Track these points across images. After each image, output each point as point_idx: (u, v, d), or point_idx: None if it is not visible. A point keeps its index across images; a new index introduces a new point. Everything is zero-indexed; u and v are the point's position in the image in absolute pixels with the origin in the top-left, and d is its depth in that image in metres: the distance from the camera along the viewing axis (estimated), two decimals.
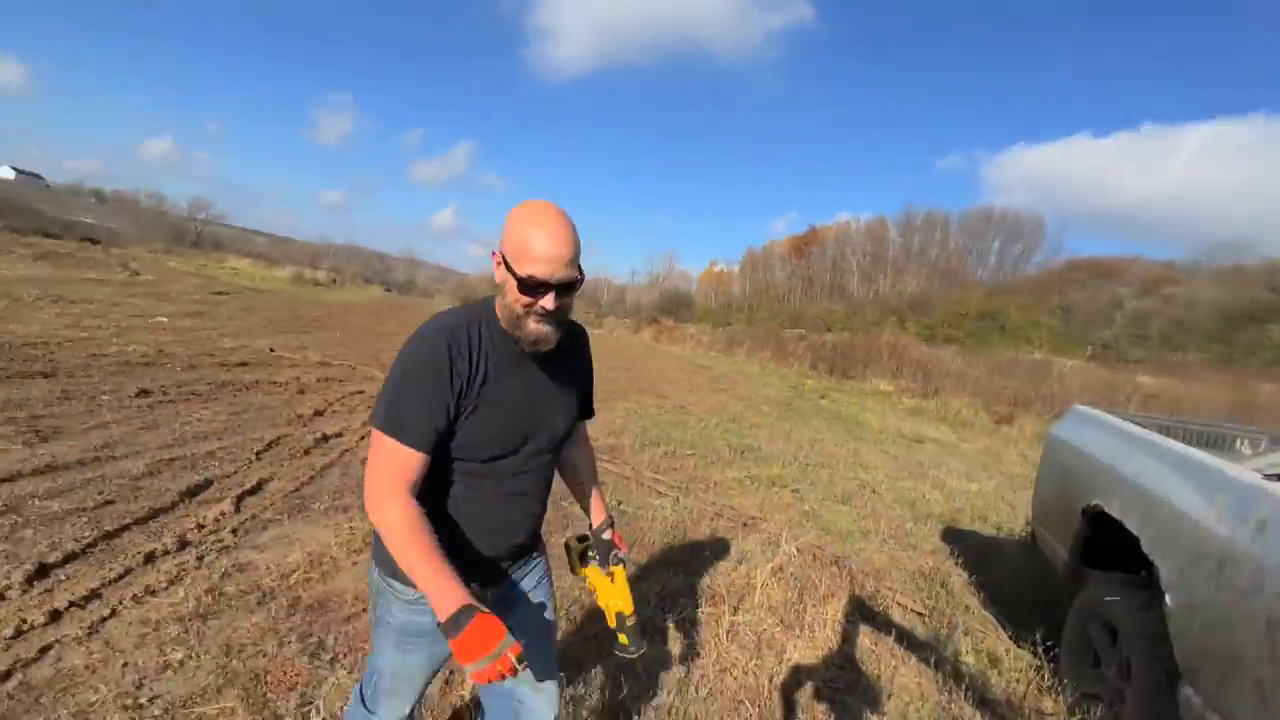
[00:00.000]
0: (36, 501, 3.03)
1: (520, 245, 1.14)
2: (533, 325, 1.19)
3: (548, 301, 1.16)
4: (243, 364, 7.09)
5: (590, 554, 1.52)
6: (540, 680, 1.44)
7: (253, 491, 3.63)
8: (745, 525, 4.26)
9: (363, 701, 1.44)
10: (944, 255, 53.92)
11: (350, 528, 3.28)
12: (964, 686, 2.46)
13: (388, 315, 18.37)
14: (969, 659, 2.78)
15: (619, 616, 1.40)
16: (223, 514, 3.27)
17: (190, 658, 2.11)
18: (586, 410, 1.51)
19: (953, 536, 4.78)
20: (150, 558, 2.72)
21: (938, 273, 51.87)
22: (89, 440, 3.94)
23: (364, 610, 2.56)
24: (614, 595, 1.42)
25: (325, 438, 4.93)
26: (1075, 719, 2.30)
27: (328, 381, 7.09)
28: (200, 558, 2.79)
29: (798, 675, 2.44)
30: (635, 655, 1.39)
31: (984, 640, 3.01)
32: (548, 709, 1.45)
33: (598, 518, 1.54)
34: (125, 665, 2.04)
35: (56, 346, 6.27)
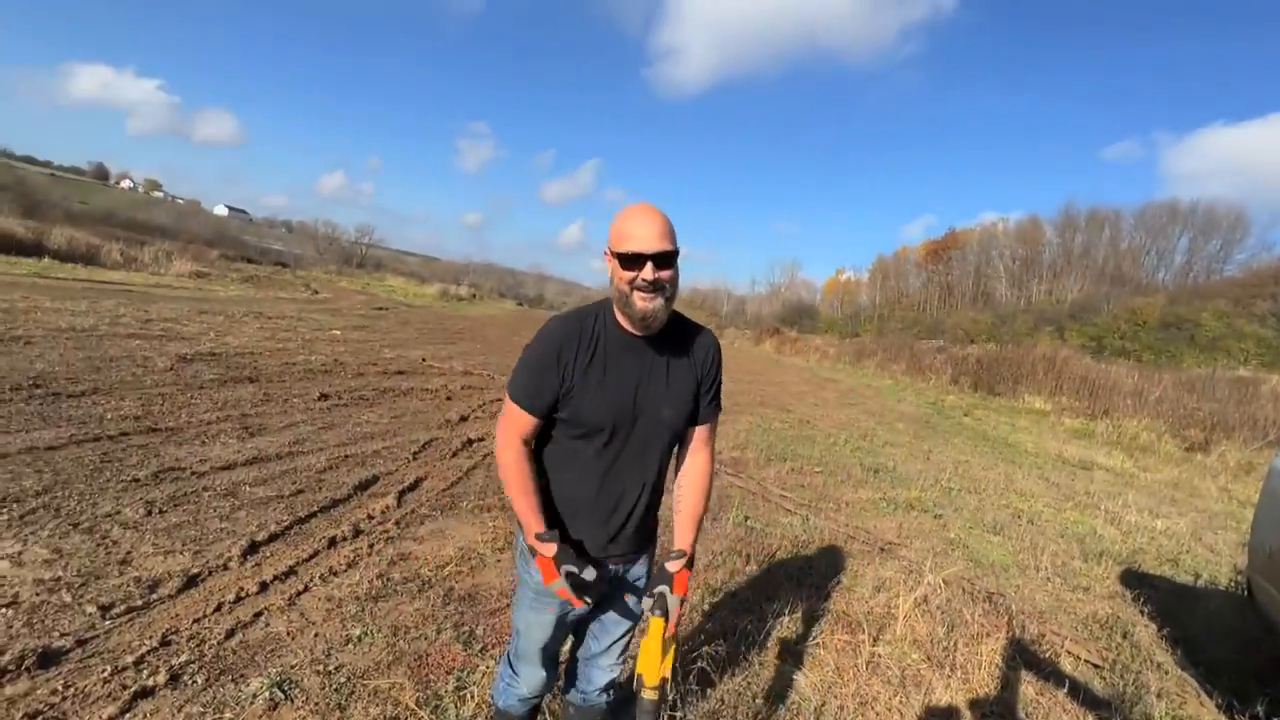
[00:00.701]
0: (247, 488, 3.58)
1: (620, 232, 1.36)
2: (639, 301, 1.36)
3: (647, 272, 1.34)
4: (400, 372, 7.90)
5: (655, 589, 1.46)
6: (603, 666, 1.67)
7: (411, 488, 4.02)
8: (882, 550, 4.01)
9: (509, 663, 1.68)
10: (1114, 256, 47.44)
11: (494, 526, 3.52)
12: None
13: (520, 327, 19.59)
14: None
15: (637, 679, 1.34)
16: (388, 507, 3.65)
17: (366, 634, 2.38)
18: (705, 411, 1.54)
19: (1134, 580, 4.15)
20: (333, 542, 3.10)
21: (1106, 276, 45.66)
22: (284, 437, 4.58)
23: (508, 605, 2.73)
24: (644, 650, 1.36)
25: (470, 442, 5.35)
26: None
27: (470, 390, 7.69)
28: (371, 545, 3.13)
29: (949, 719, 2.24)
30: None
31: (1183, 706, 2.58)
32: (597, 690, 1.69)
33: (677, 541, 1.54)
34: (316, 635, 2.34)
35: (259, 355, 7.39)
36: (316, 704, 1.97)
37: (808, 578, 3.41)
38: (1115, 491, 7.07)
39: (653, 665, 1.33)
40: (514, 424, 1.45)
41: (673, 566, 1.48)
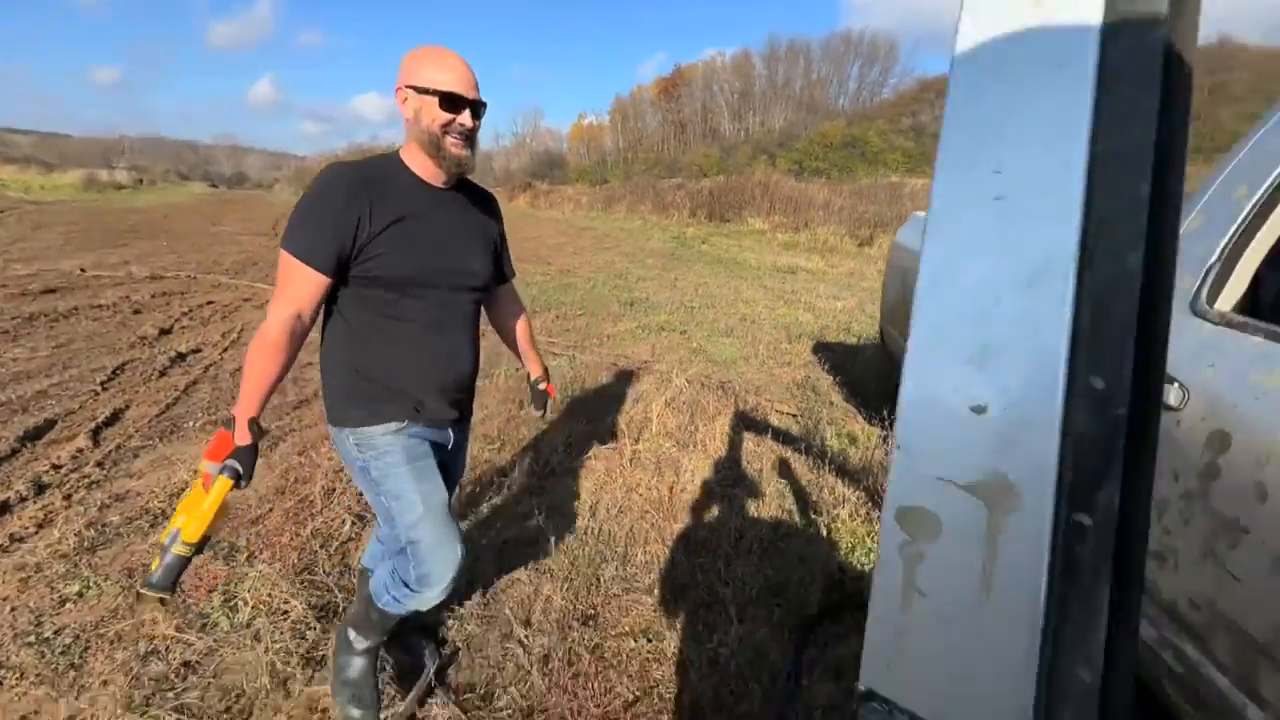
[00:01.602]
0: None
1: (433, 70, 1.27)
2: (452, 146, 1.30)
3: (465, 118, 1.29)
4: (50, 290, 6.08)
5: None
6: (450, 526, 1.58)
7: (109, 423, 3.33)
8: (640, 369, 4.52)
9: (405, 585, 1.43)
10: (807, 86, 53.90)
11: None
12: (827, 462, 2.93)
13: (221, 214, 16.08)
14: (832, 442, 3.27)
15: (174, 532, 1.20)
16: (80, 450, 2.99)
17: (88, 588, 2.05)
18: (507, 268, 1.64)
19: (821, 349, 5.36)
20: (4, 507, 2.49)
21: (803, 105, 52.11)
22: None
23: (270, 510, 2.55)
24: (196, 504, 1.22)
25: (181, 356, 4.50)
26: None
27: (166, 297, 6.30)
28: (67, 496, 2.59)
29: (694, 482, 2.78)
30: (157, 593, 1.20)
31: (845, 427, 3.54)
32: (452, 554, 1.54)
33: (534, 369, 1.80)
34: (13, 610, 1.95)
35: None
36: (38, 674, 1.70)
37: (579, 408, 3.73)
38: (812, 287, 8.78)
39: (202, 520, 1.19)
40: (295, 289, 1.26)
41: (543, 386, 1.79)
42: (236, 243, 11.04)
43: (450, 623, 1.95)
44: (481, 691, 1.70)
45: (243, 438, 1.27)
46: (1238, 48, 35.68)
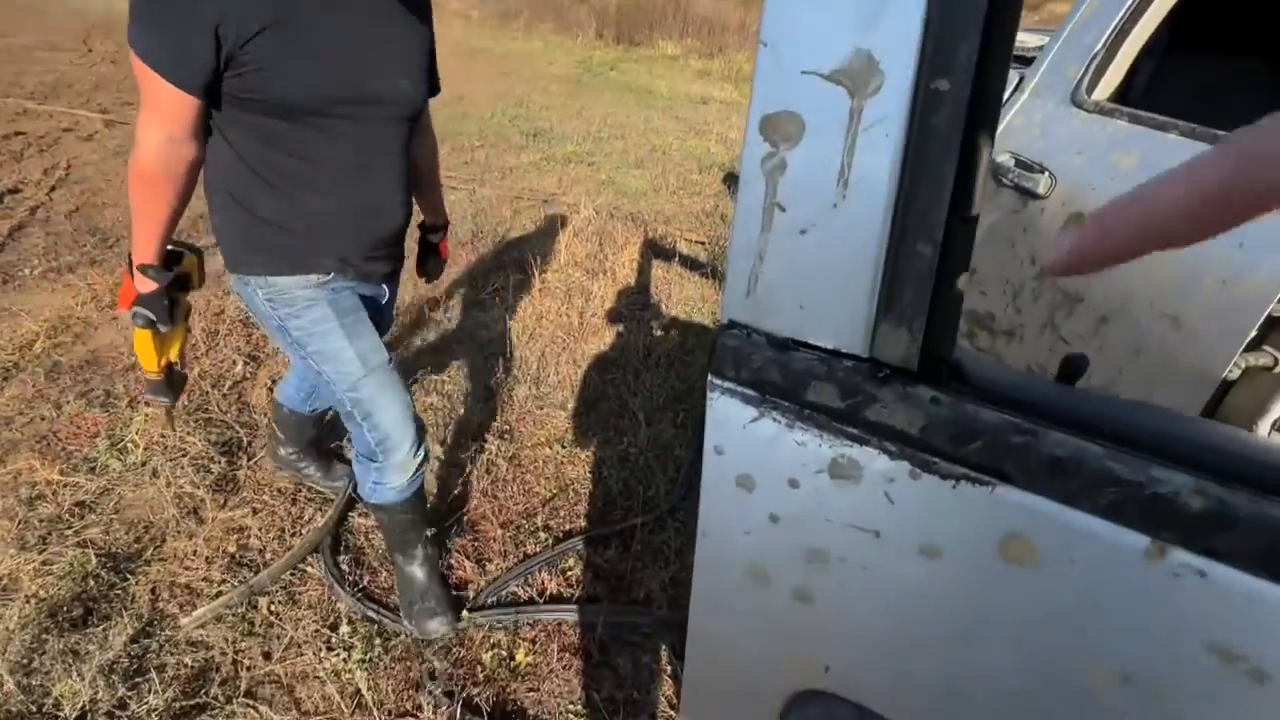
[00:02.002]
0: None
1: None
2: None
3: None
4: None
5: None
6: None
7: None
8: (545, 201, 4.31)
9: (369, 457, 1.31)
10: None
11: (90, 285, 2.79)
12: None
13: (8, 24, 12.79)
14: None
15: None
16: None
17: None
18: (435, 82, 1.28)
19: (732, 179, 5.29)
20: None
21: None
22: None
23: None
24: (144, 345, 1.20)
25: None
26: None
27: None
28: None
29: (603, 308, 2.81)
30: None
31: None
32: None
33: (430, 215, 1.52)
34: None
35: None
36: None
37: (483, 243, 3.56)
38: (725, 117, 8.42)
39: (146, 359, 1.20)
40: (160, 107, 0.97)
41: (435, 238, 1.54)
42: (37, 60, 8.95)
43: None
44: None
45: (142, 284, 1.12)
46: None
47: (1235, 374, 0.97)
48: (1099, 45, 1.33)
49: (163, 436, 1.90)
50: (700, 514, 0.35)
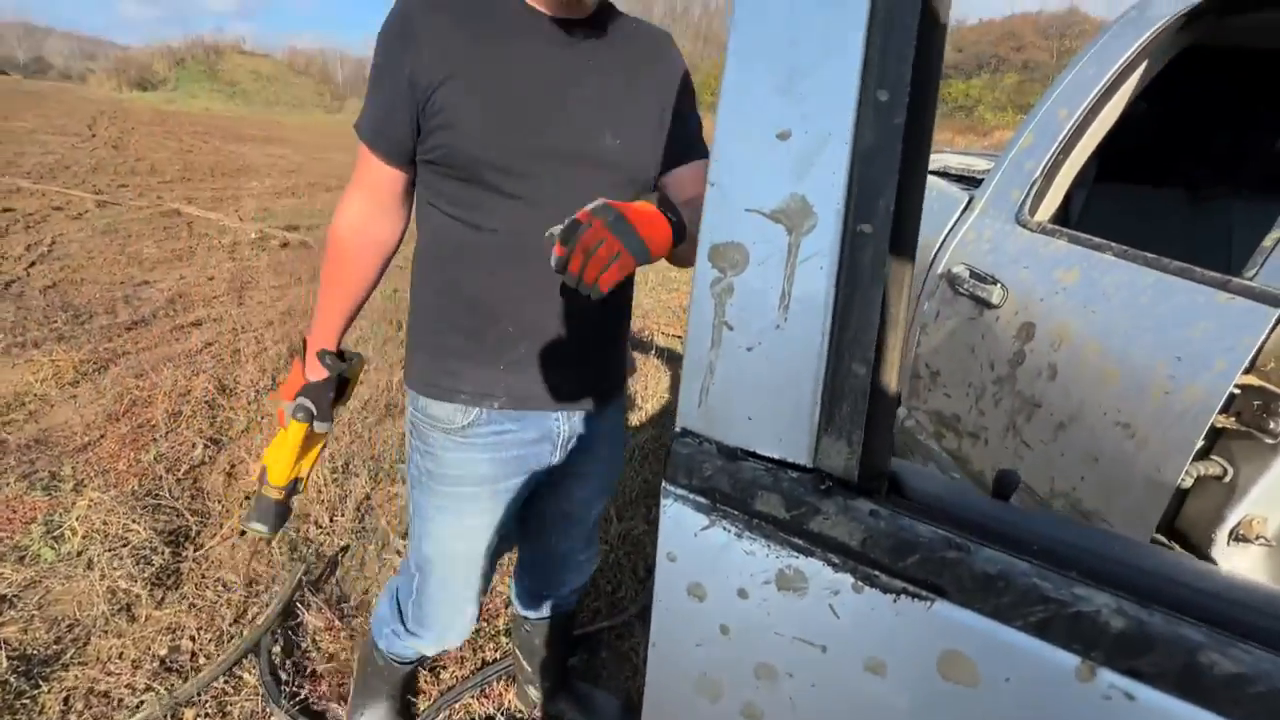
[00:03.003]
0: None
1: None
2: None
3: None
4: None
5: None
6: (577, 563, 1.23)
7: None
8: None
9: (401, 618, 1.13)
10: (705, 15, 52.88)
11: (54, 361, 2.73)
12: None
13: (15, 108, 13.31)
14: None
15: (261, 471, 1.07)
16: None
17: None
18: (687, 147, 0.95)
19: None
20: None
21: (700, 35, 51.27)
22: None
23: (101, 437, 2.27)
24: (280, 446, 1.05)
25: None
26: None
27: None
28: None
29: None
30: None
31: None
32: (574, 579, 1.25)
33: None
34: None
35: None
36: None
37: None
38: None
39: (283, 464, 1.04)
40: (362, 176, 0.91)
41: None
42: (39, 142, 9.27)
43: (322, 538, 1.88)
44: (356, 601, 1.67)
45: (313, 371, 0.99)
46: (1082, 17, 39.34)
47: (1188, 483, 0.99)
48: (1037, 173, 1.47)
49: (104, 524, 1.79)
50: (652, 624, 0.34)
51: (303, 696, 1.38)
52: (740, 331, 0.30)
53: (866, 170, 0.27)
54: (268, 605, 1.60)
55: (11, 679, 1.34)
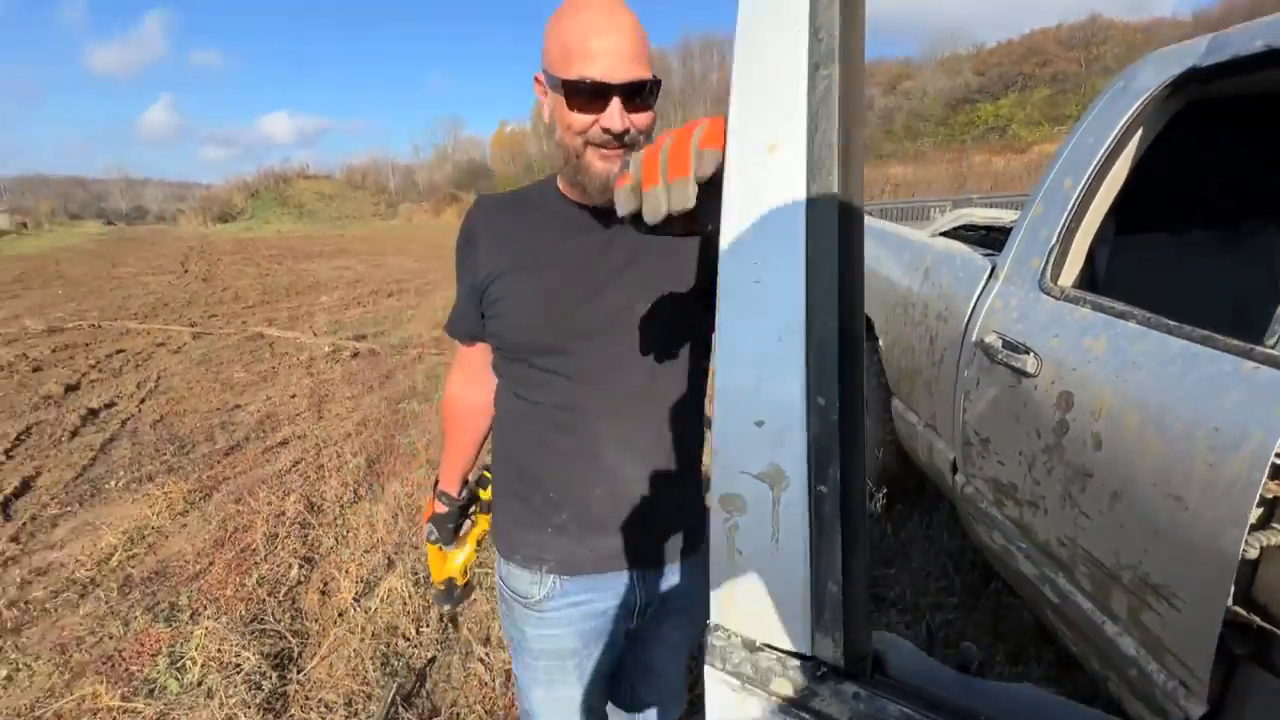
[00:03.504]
0: None
1: (562, 45, 0.81)
2: (596, 162, 0.83)
3: (611, 115, 0.80)
4: None
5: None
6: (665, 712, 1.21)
7: (19, 493, 3.14)
8: None
9: None
10: (723, 80, 55.05)
11: (166, 493, 3.03)
12: None
13: (121, 254, 15.07)
14: None
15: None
16: None
17: (18, 670, 1.96)
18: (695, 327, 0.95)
19: None
20: None
21: (723, 99, 53.19)
22: None
23: (210, 564, 2.49)
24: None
25: (93, 412, 4.26)
26: None
27: (69, 350, 5.92)
28: None
29: None
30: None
31: None
32: None
33: None
34: None
35: None
36: None
37: None
38: None
39: (434, 569, 1.25)
40: (459, 354, 1.09)
41: None
42: (142, 284, 10.42)
43: (410, 651, 1.99)
44: (446, 715, 1.75)
45: (436, 507, 1.18)
46: (1106, 23, 38.86)
47: (1254, 553, 0.98)
48: (1053, 240, 1.51)
49: (219, 652, 1.96)
50: None
51: None
52: (747, 557, 0.39)
53: (818, 449, 0.37)
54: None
55: None
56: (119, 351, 5.93)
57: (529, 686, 1.03)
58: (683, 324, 0.93)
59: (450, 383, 1.11)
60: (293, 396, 4.57)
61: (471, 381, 1.07)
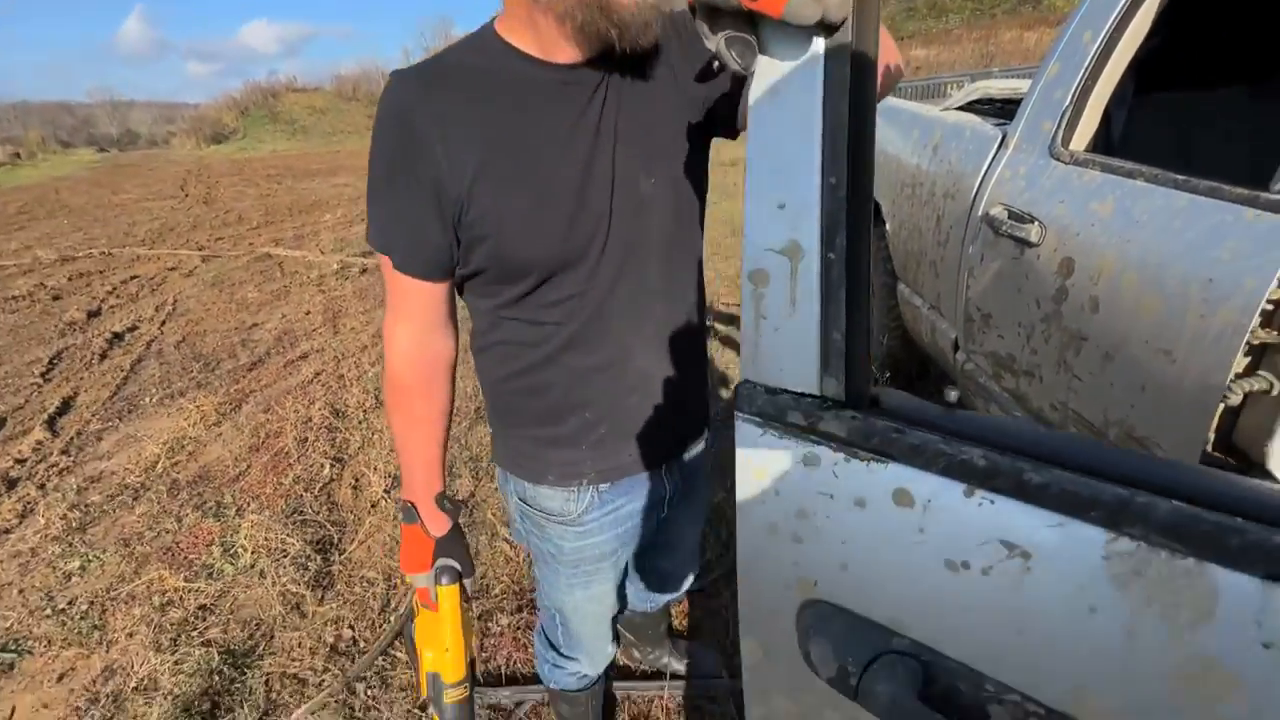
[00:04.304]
0: None
1: None
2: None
3: None
4: None
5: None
6: (680, 575, 1.29)
7: (61, 412, 3.31)
8: None
9: (552, 645, 1.17)
10: None
11: (198, 407, 3.18)
12: None
13: (119, 181, 14.82)
14: None
15: (434, 681, 0.90)
16: (39, 442, 3.00)
17: (89, 561, 2.16)
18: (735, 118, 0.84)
19: None
20: None
21: None
22: None
23: (247, 469, 2.65)
24: (432, 633, 0.91)
25: (118, 336, 4.39)
26: None
27: (84, 277, 5.99)
28: (41, 486, 2.64)
29: None
30: None
31: None
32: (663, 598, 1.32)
33: None
34: (21, 591, 2.06)
35: None
36: (64, 639, 1.84)
37: None
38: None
39: (455, 652, 0.88)
40: (401, 302, 0.81)
41: None
42: (145, 210, 10.32)
43: None
44: (478, 586, 1.92)
45: (436, 526, 0.89)
46: None
47: (1237, 400, 1.01)
48: (1067, 101, 1.44)
49: (266, 540, 2.13)
50: (737, 494, 0.54)
51: None
52: (769, 320, 0.49)
53: (828, 223, 0.45)
54: (405, 594, 1.88)
55: (224, 669, 1.68)
56: (133, 277, 5.99)
57: (565, 590, 1.01)
58: (684, 189, 0.83)
59: (398, 347, 0.82)
60: (307, 313, 4.64)
61: (431, 330, 0.82)
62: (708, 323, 1.47)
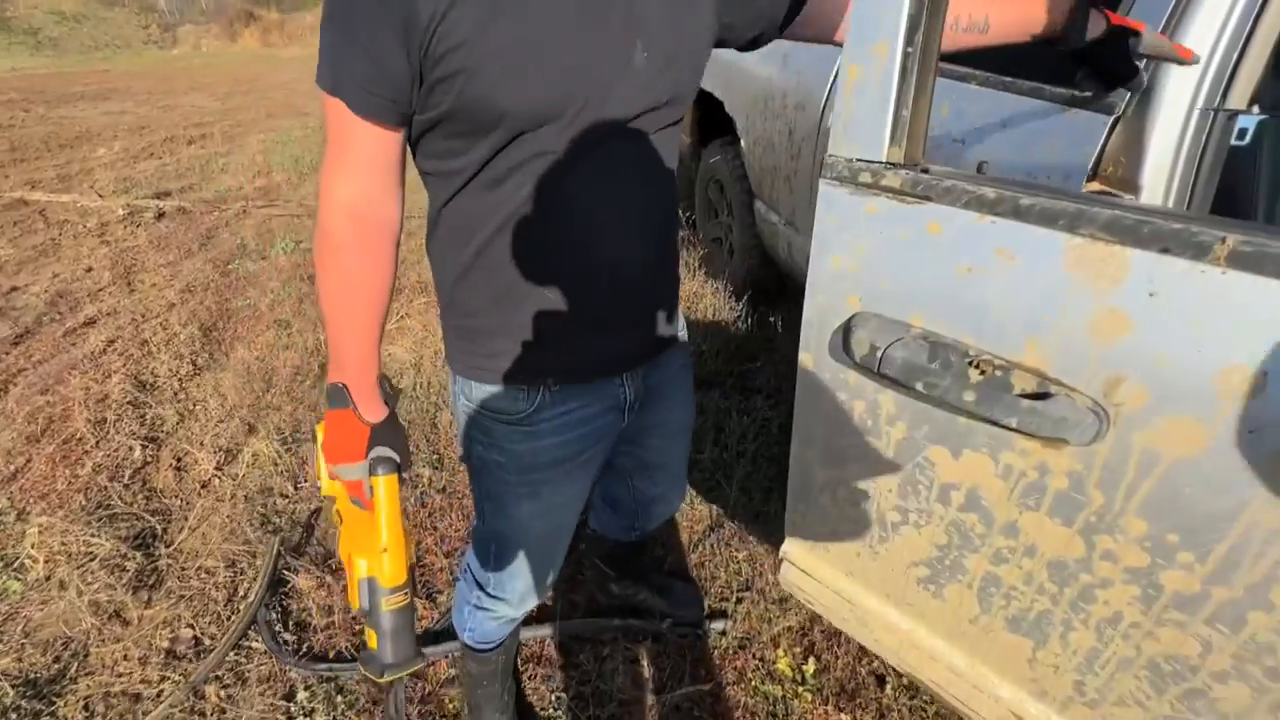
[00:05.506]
0: None
1: None
2: None
3: None
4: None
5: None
6: (667, 499, 1.23)
7: None
8: None
9: (479, 585, 1.05)
10: None
11: None
12: None
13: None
14: None
15: (369, 587, 0.77)
16: None
17: None
18: None
19: None
20: None
21: None
22: None
23: (29, 462, 2.18)
24: (363, 530, 0.79)
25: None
26: (704, 252, 3.11)
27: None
28: None
29: None
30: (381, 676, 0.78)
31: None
32: (664, 511, 1.26)
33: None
34: None
35: None
36: None
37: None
38: None
39: (394, 551, 0.77)
40: (349, 152, 0.70)
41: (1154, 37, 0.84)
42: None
43: (291, 507, 1.92)
44: (338, 558, 1.74)
45: (371, 412, 0.79)
46: None
47: None
48: None
49: (63, 545, 1.77)
50: (813, 245, 0.79)
51: (310, 645, 1.49)
52: (860, 100, 0.71)
53: (910, 25, 0.66)
54: (255, 580, 1.67)
55: (23, 704, 1.39)
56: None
57: (513, 502, 0.93)
58: (675, 79, 0.75)
59: (342, 198, 0.71)
60: (89, 270, 3.83)
61: (383, 187, 0.73)
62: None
